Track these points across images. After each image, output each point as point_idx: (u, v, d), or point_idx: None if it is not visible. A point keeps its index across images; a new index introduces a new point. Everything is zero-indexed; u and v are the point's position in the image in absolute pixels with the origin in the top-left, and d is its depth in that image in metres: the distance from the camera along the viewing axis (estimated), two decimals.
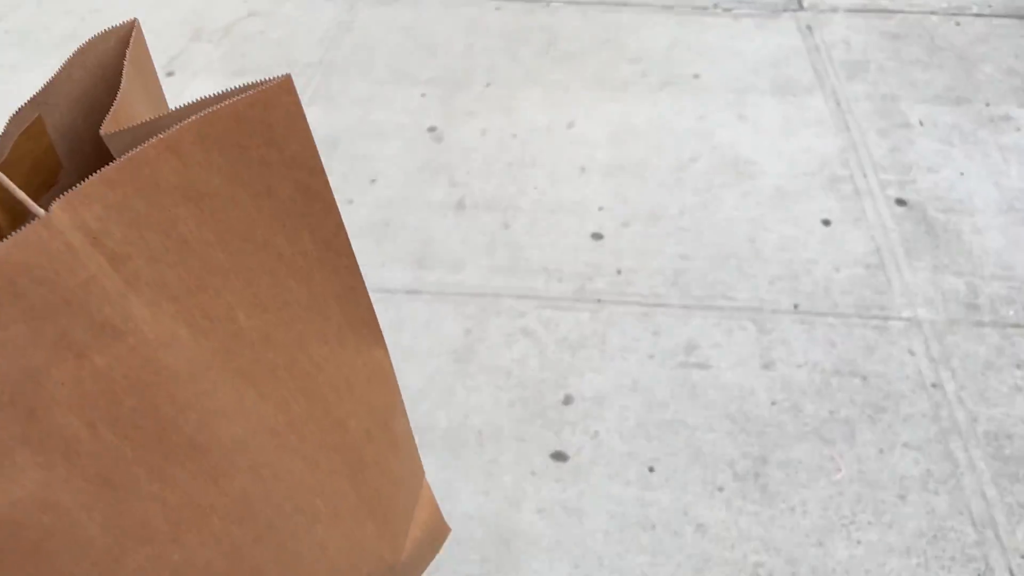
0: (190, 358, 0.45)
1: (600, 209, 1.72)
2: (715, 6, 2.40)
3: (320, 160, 0.50)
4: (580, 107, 2.01)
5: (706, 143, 1.88)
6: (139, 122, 0.46)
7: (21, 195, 0.42)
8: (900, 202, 1.70)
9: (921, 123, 1.91)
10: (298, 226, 0.50)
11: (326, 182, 0.51)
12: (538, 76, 2.13)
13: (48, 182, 0.52)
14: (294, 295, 0.51)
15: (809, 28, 2.28)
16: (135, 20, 0.54)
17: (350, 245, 0.54)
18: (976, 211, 1.67)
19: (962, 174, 1.77)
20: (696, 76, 2.10)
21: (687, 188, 1.76)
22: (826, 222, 1.66)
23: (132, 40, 0.52)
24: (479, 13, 2.39)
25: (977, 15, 2.31)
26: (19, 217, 0.47)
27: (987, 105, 1.96)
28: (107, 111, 0.50)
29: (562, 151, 1.88)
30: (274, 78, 0.45)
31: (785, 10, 2.37)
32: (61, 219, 0.39)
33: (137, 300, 0.42)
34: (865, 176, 1.77)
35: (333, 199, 0.52)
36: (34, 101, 0.50)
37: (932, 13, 2.33)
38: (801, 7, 2.38)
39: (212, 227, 0.46)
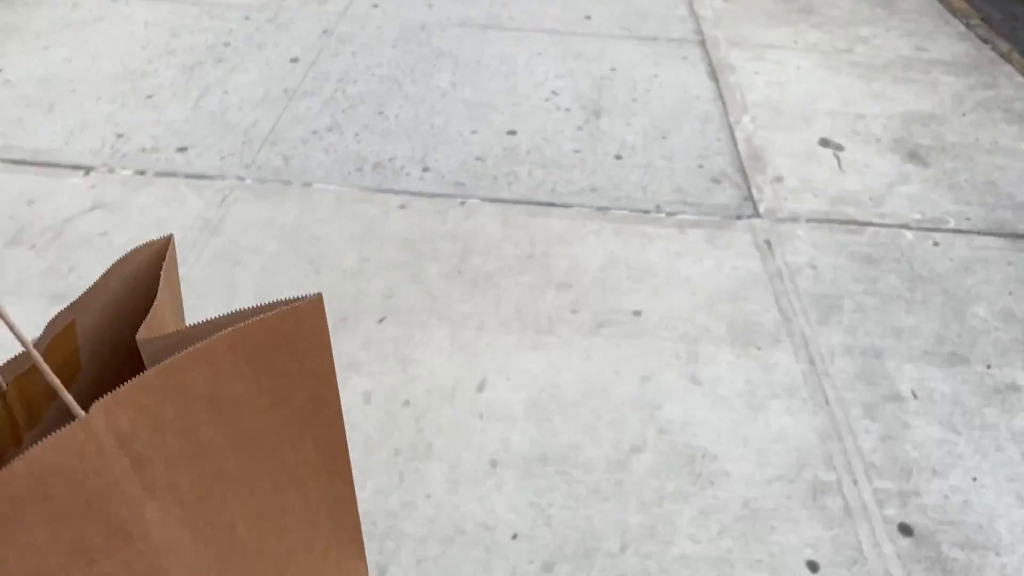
0: (189, 566, 0.44)
1: (514, 537, 1.27)
2: (657, 209, 2.05)
3: (335, 371, 0.53)
4: (495, 358, 1.59)
5: (652, 423, 1.47)
6: (170, 330, 0.46)
7: (68, 398, 0.42)
8: (904, 529, 1.30)
9: (915, 395, 1.54)
10: (304, 434, 0.52)
11: (336, 391, 0.54)
12: (445, 307, 1.71)
13: (67, 383, 0.51)
14: (291, 504, 0.52)
15: (768, 244, 1.93)
16: (171, 236, 0.57)
17: (348, 454, 0.57)
18: (1002, 546, 1.28)
19: (975, 479, 1.39)
20: (637, 313, 1.71)
21: (630, 501, 1.33)
22: (813, 566, 1.25)
23: (168, 254, 0.56)
24: (380, 213, 1.98)
25: (956, 231, 2.01)
26: (36, 415, 0.49)
27: (988, 367, 1.61)
28: (131, 317, 0.55)
29: (468, 432, 1.44)
30: (306, 296, 0.51)
31: (738, 217, 2.03)
32: (98, 421, 0.40)
33: (152, 504, 0.42)
34: (856, 483, 1.37)
35: (340, 409, 0.54)
36: (73, 306, 0.55)
37: (905, 227, 2.02)
38: (757, 213, 2.05)
39: (228, 433, 0.47)
